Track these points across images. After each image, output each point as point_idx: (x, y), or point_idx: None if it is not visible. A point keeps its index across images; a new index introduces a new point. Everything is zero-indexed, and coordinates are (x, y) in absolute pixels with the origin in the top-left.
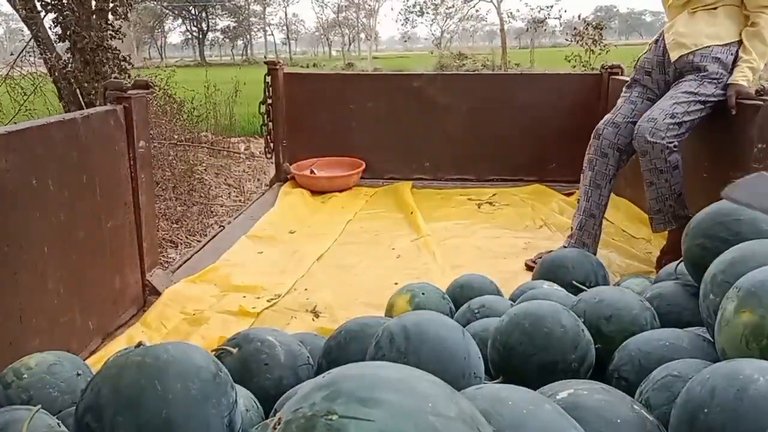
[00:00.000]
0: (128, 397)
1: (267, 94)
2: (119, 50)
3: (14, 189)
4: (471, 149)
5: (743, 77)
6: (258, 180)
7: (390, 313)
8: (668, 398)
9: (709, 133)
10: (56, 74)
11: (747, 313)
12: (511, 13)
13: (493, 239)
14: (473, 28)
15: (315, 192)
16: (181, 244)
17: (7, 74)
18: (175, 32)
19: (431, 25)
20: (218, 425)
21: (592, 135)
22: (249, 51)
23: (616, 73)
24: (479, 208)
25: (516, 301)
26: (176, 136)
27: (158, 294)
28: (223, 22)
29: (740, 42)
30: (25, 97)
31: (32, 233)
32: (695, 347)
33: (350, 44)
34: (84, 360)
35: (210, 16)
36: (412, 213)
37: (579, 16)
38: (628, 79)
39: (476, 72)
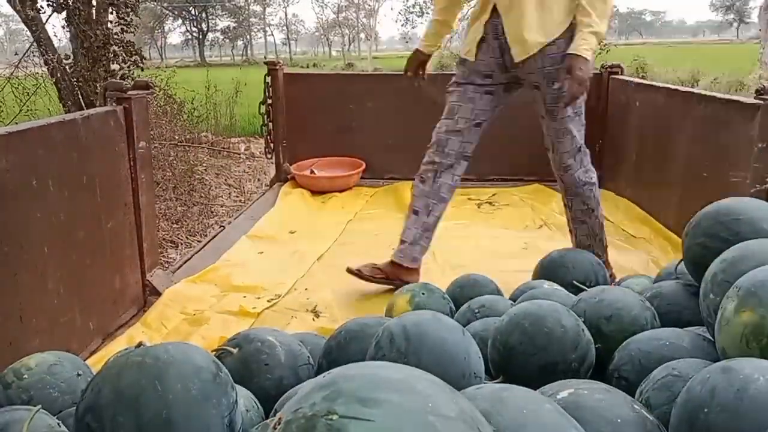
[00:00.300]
0: (128, 398)
1: (267, 94)
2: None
3: (14, 189)
4: None
5: (586, 47)
6: (258, 180)
7: (390, 313)
8: (668, 398)
9: (709, 133)
10: (57, 75)
11: (747, 312)
12: None
13: (493, 239)
14: None
15: (315, 192)
16: (182, 244)
17: (11, 74)
18: (175, 33)
19: None
20: (218, 425)
21: (434, 145)
22: (249, 51)
23: (616, 73)
24: (479, 207)
25: (516, 301)
26: (176, 137)
27: (158, 294)
28: (223, 23)
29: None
30: (27, 98)
31: (32, 233)
32: (695, 347)
33: (350, 44)
34: (84, 360)
35: (210, 17)
36: None
37: None
38: (628, 78)
39: None
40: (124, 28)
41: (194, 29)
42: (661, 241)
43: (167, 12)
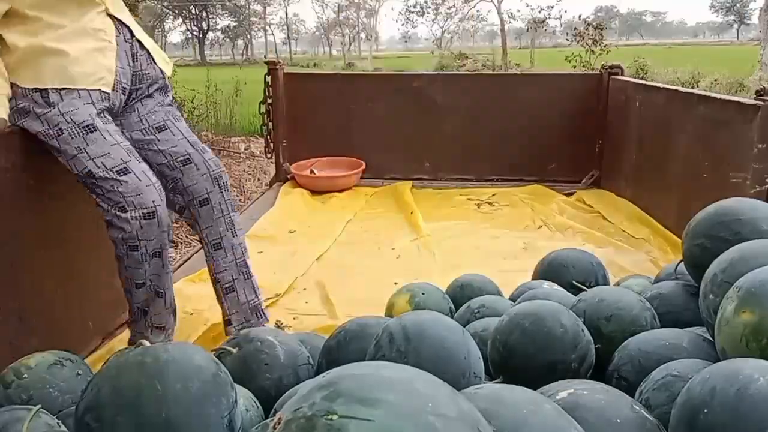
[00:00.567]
0: (128, 397)
1: (267, 93)
2: None
3: (14, 189)
4: (471, 149)
5: None
6: (258, 180)
7: (390, 313)
8: (668, 398)
9: (709, 134)
10: None
11: (747, 312)
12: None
13: (492, 239)
14: (474, 28)
15: (315, 192)
16: (181, 243)
17: None
18: (176, 32)
19: (432, 25)
20: (218, 425)
21: (148, 216)
22: (249, 51)
23: (616, 73)
24: (479, 208)
25: (516, 301)
26: None
27: None
28: (224, 22)
29: None
30: None
31: (31, 233)
32: (695, 347)
33: (350, 44)
34: (84, 360)
35: (210, 16)
36: (412, 213)
37: (579, 17)
38: (628, 79)
39: (476, 72)
40: None
41: (194, 28)
42: (660, 242)
43: (167, 11)
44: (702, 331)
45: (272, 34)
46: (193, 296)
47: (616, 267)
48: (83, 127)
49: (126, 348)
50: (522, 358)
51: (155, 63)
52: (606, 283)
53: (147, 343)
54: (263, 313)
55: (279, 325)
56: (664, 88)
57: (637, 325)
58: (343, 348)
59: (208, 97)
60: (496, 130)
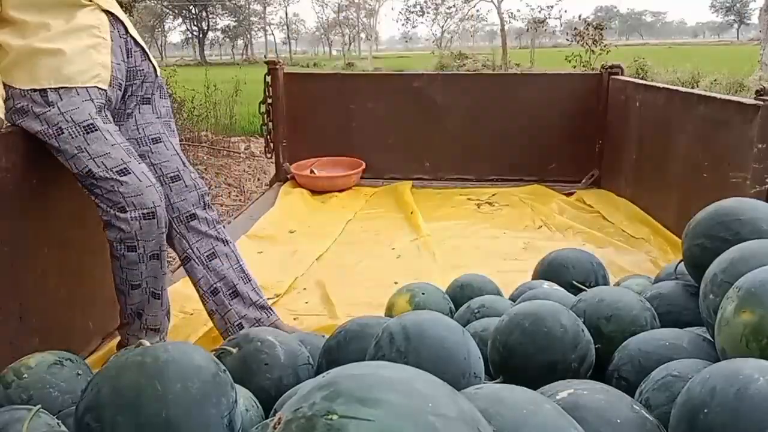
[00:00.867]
0: (128, 397)
1: (267, 93)
2: None
3: (14, 189)
4: (471, 149)
5: None
6: (258, 180)
7: (390, 313)
8: (668, 398)
9: (709, 134)
10: None
11: (747, 313)
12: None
13: (492, 239)
14: (474, 28)
15: (315, 192)
16: None
17: None
18: (175, 32)
19: (432, 25)
20: (218, 425)
21: (147, 216)
22: (249, 50)
23: (616, 73)
24: (479, 208)
25: (516, 301)
26: None
27: None
28: (224, 22)
29: None
30: None
31: (32, 233)
32: (695, 347)
33: (350, 44)
34: (84, 360)
35: (210, 16)
36: (412, 213)
37: (579, 17)
38: (628, 79)
39: (476, 72)
40: None
41: (194, 28)
42: (660, 242)
43: (167, 11)
44: (702, 331)
45: (272, 34)
46: (193, 296)
47: (616, 267)
48: (84, 127)
49: (126, 348)
50: (522, 358)
51: (149, 60)
52: (606, 283)
53: (147, 343)
54: (272, 310)
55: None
56: (664, 88)
57: (637, 325)
58: (343, 348)
59: (207, 96)
60: (496, 130)
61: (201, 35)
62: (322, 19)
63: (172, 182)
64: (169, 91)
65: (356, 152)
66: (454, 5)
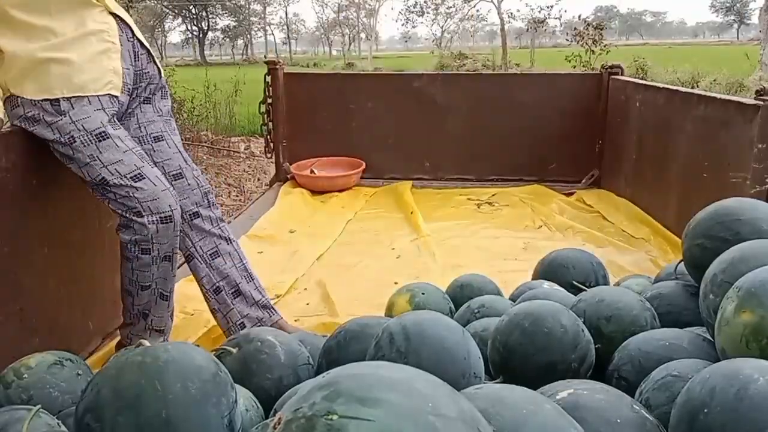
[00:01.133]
0: (128, 397)
1: (267, 93)
2: None
3: (14, 189)
4: (471, 149)
5: None
6: (258, 180)
7: (390, 312)
8: (668, 398)
9: (709, 134)
10: None
11: (747, 313)
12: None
13: (492, 239)
14: (473, 28)
15: (315, 192)
16: None
17: None
18: (175, 32)
19: (432, 25)
20: (218, 425)
21: (164, 221)
22: (249, 50)
23: (616, 73)
24: (479, 208)
25: (516, 301)
26: None
27: None
28: (224, 22)
29: None
30: None
31: (32, 233)
32: (695, 347)
33: (350, 44)
34: (84, 360)
35: (210, 16)
36: (412, 213)
37: (579, 17)
38: (628, 79)
39: (476, 72)
40: None
41: (194, 28)
42: (660, 241)
43: (167, 11)
44: (702, 331)
45: (272, 34)
46: (194, 296)
47: (616, 267)
48: (96, 135)
49: (126, 348)
50: (522, 359)
51: (154, 62)
52: (606, 283)
53: (147, 343)
54: (275, 309)
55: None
56: (664, 88)
57: (637, 325)
58: (343, 348)
59: (207, 96)
60: (496, 130)
61: (201, 35)
62: (322, 19)
63: (175, 180)
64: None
65: (356, 152)
66: (454, 5)
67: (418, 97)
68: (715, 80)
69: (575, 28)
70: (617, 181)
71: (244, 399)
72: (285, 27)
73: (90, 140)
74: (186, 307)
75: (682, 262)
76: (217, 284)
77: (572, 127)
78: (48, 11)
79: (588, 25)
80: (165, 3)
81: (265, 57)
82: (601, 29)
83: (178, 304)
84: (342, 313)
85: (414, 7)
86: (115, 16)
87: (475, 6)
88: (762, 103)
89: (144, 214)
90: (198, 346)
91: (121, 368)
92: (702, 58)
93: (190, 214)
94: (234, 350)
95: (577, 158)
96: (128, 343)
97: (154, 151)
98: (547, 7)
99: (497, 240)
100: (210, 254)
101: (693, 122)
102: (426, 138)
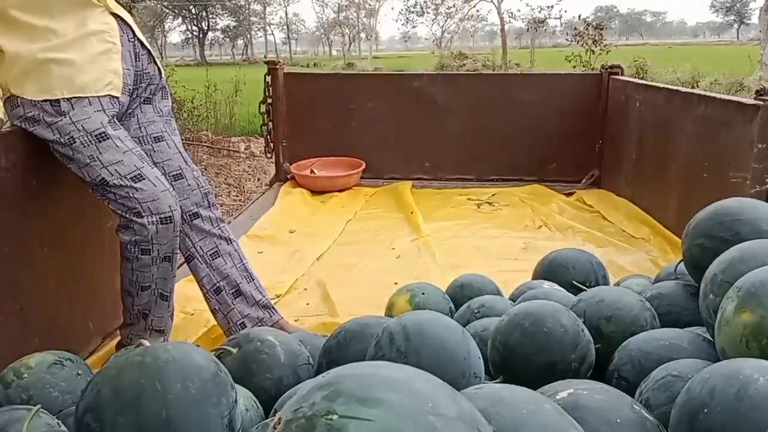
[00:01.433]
0: (128, 397)
1: (267, 93)
2: None
3: (14, 189)
4: (471, 149)
5: None
6: (258, 180)
7: (390, 312)
8: (668, 398)
9: (709, 134)
10: None
11: (747, 313)
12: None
13: (492, 239)
14: (474, 28)
15: (315, 192)
16: None
17: None
18: (175, 32)
19: (432, 25)
20: (218, 425)
21: (164, 221)
22: (249, 50)
23: (616, 73)
24: (479, 208)
25: (516, 301)
26: None
27: None
28: (224, 22)
29: None
30: None
31: (32, 233)
32: (695, 347)
33: (350, 44)
34: (84, 360)
35: (210, 16)
36: (412, 213)
37: (579, 17)
38: (628, 79)
39: (476, 72)
40: None
41: (194, 28)
42: (660, 241)
43: (167, 11)
44: (702, 331)
45: (272, 34)
46: (194, 296)
47: (616, 267)
48: (95, 136)
49: (126, 348)
50: (522, 359)
51: (154, 62)
52: (606, 283)
53: (146, 343)
54: (275, 309)
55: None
56: (664, 88)
57: (637, 325)
58: (343, 348)
59: (207, 96)
60: (496, 130)
61: (201, 35)
62: (322, 19)
63: (175, 181)
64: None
65: (356, 152)
66: (454, 5)
67: (418, 97)
68: (715, 80)
69: (575, 28)
70: (617, 181)
71: (244, 399)
72: (285, 27)
73: (90, 141)
74: (186, 307)
75: (682, 262)
76: (218, 284)
77: (572, 127)
78: (49, 12)
79: (588, 25)
80: (165, 3)
81: (265, 57)
82: (601, 29)
83: (178, 304)
84: (342, 313)
85: (414, 7)
86: (116, 16)
87: (475, 6)
88: (762, 103)
89: (144, 214)
90: (198, 346)
91: (121, 368)
92: (702, 58)
93: (190, 215)
94: (234, 350)
95: (577, 158)
96: (128, 343)
97: (154, 151)
98: (548, 7)
99: (497, 240)
100: (210, 254)
101: (693, 122)
102: (426, 138)
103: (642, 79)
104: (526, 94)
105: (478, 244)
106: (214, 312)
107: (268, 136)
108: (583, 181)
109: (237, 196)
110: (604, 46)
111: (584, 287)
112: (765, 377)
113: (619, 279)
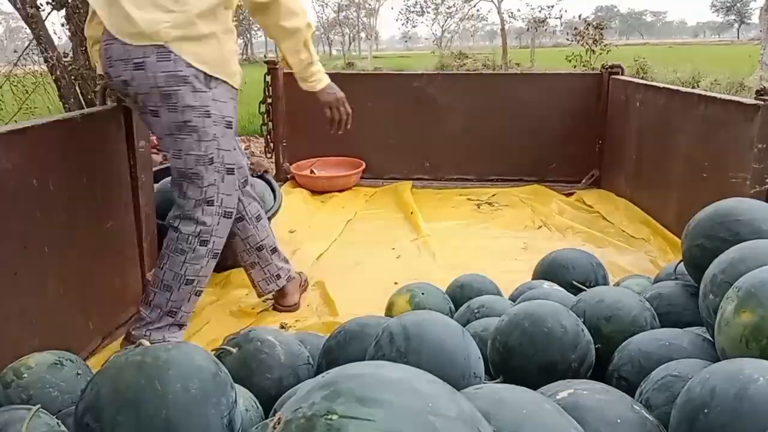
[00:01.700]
0: (128, 397)
1: (267, 93)
2: None
3: (14, 189)
4: (471, 149)
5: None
6: None
7: (390, 312)
8: (668, 398)
9: (709, 134)
10: (57, 73)
11: (747, 313)
12: (511, 12)
13: (492, 239)
14: (474, 27)
15: (315, 192)
16: None
17: (11, 72)
18: None
19: (432, 24)
20: (218, 425)
21: (227, 215)
22: (249, 50)
23: (617, 73)
24: (479, 208)
25: (516, 301)
26: None
27: None
28: None
29: None
30: (26, 96)
31: (32, 233)
32: (695, 347)
33: (351, 44)
34: (84, 360)
35: None
36: (412, 213)
37: (579, 16)
38: (628, 79)
39: (476, 72)
40: None
41: None
42: (660, 242)
43: None
44: (702, 331)
45: None
46: None
47: (616, 267)
48: (226, 121)
49: (126, 348)
50: (522, 359)
51: None
52: (606, 283)
53: (147, 343)
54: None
55: (284, 326)
56: (664, 87)
57: (637, 325)
58: (343, 348)
59: None
60: (496, 130)
61: None
62: (322, 18)
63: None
64: None
65: (356, 152)
66: (454, 5)
67: (418, 96)
68: (715, 80)
69: (575, 28)
70: (617, 181)
71: (244, 399)
72: None
73: (220, 121)
74: None
75: (682, 263)
76: (261, 242)
77: (572, 127)
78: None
79: (588, 24)
80: None
81: (265, 57)
82: (602, 29)
83: None
84: (342, 313)
85: (414, 7)
86: None
87: (475, 6)
88: (762, 103)
89: (215, 204)
90: (198, 346)
91: (120, 368)
92: (702, 58)
93: (242, 182)
94: (234, 350)
95: (577, 158)
96: (144, 337)
97: None
98: (548, 7)
99: (497, 240)
100: (255, 217)
101: (693, 122)
102: (426, 138)
103: (642, 78)
104: (527, 94)
105: (478, 244)
106: (251, 266)
107: (268, 136)
108: (583, 181)
109: None
110: (605, 46)
111: (584, 287)
112: (765, 377)
113: (618, 279)
